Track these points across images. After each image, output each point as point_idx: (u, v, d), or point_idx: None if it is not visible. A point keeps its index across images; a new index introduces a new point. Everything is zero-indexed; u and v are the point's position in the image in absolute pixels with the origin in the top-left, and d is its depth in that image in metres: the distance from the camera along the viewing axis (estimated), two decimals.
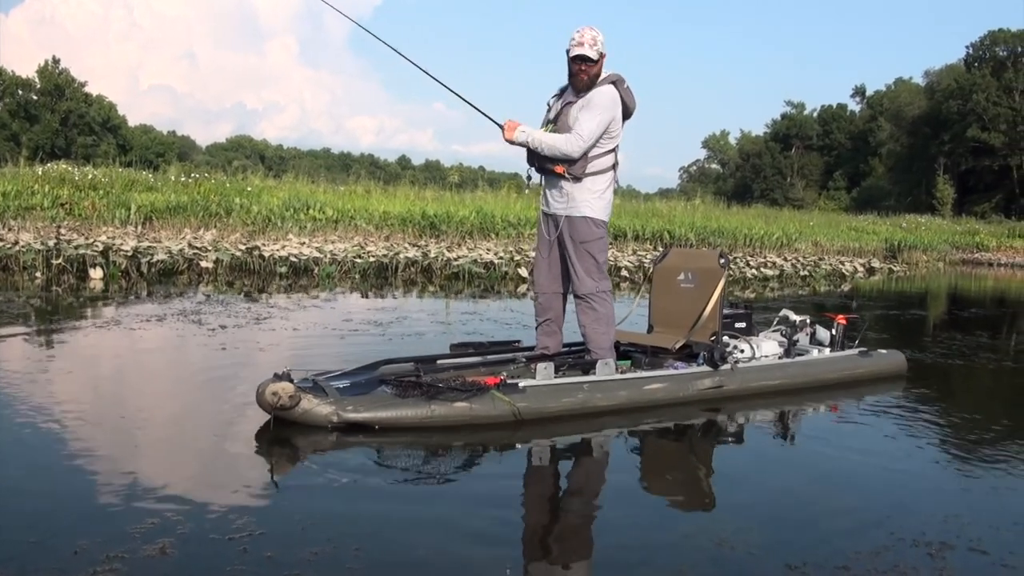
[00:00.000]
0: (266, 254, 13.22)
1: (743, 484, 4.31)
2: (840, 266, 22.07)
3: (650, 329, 6.46)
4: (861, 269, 22.66)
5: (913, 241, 32.31)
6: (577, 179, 5.47)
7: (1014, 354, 9.41)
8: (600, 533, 3.51)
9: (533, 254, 15.50)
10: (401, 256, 14.45)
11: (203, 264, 12.47)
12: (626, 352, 6.04)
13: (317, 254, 13.68)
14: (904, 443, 5.04)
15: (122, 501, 3.36)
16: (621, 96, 5.49)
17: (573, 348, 6.02)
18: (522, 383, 5.00)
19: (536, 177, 5.71)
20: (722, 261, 6.06)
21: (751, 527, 3.55)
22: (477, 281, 14.12)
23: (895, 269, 24.72)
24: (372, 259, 14.06)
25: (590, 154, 5.46)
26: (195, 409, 5.15)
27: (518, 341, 6.27)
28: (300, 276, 13.10)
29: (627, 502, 3.96)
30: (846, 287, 17.97)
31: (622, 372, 5.62)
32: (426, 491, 3.81)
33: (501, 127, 5.54)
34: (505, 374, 5.21)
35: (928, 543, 3.36)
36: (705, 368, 5.77)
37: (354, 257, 13.94)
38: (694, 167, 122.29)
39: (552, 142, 5.40)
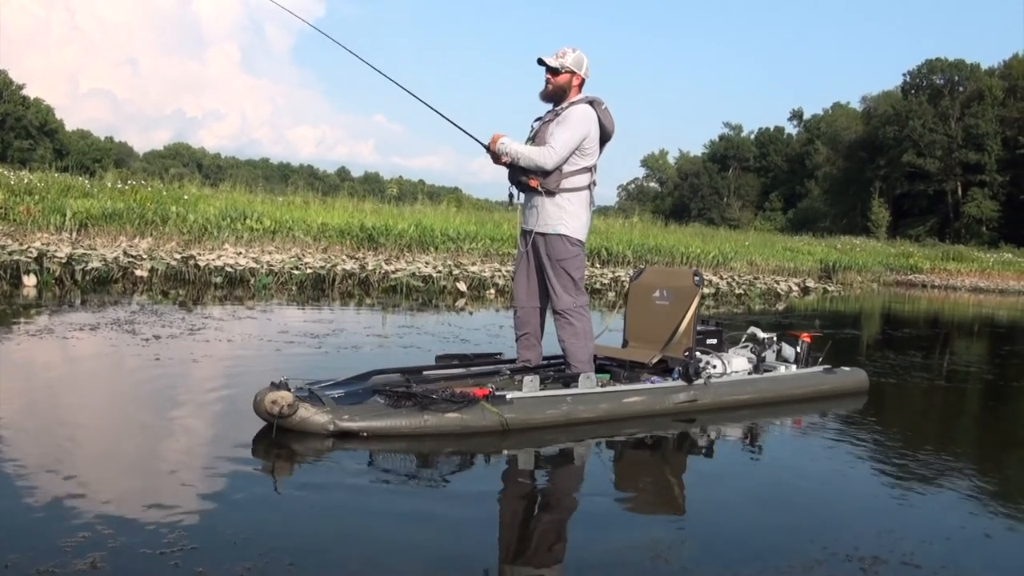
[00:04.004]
0: (202, 264, 13.08)
1: (690, 497, 4.41)
2: (775, 285, 22.34)
3: (625, 344, 6.65)
4: (796, 289, 22.96)
5: (848, 262, 32.88)
6: (551, 193, 5.62)
7: (947, 373, 9.61)
8: (538, 546, 3.53)
9: (472, 268, 15.60)
10: (338, 268, 14.37)
11: (138, 273, 12.30)
12: (602, 366, 6.18)
13: (253, 264, 13.57)
14: (842, 458, 5.15)
15: (54, 515, 3.31)
16: (599, 117, 5.67)
17: (552, 361, 6.16)
18: (510, 395, 5.16)
19: (518, 195, 5.86)
20: (697, 280, 6.27)
21: (688, 540, 3.60)
22: (415, 295, 14.11)
23: (830, 289, 25.12)
24: (309, 271, 13.98)
25: (564, 170, 5.61)
26: (127, 421, 5.08)
27: (500, 353, 6.39)
28: (236, 287, 12.98)
29: (577, 514, 4.02)
30: (781, 306, 18.19)
31: (602, 385, 5.78)
32: (374, 503, 3.80)
33: (487, 147, 5.68)
34: (492, 386, 5.31)
35: (861, 558, 3.43)
36: (680, 382, 5.97)
37: (291, 268, 13.84)
38: (632, 185, 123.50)
39: (527, 152, 5.57)
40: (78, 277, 11.72)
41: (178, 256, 13.32)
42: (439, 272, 15.17)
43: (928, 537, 3.80)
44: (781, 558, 3.42)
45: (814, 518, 4.06)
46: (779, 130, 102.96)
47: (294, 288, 13.46)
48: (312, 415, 4.63)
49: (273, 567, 2.97)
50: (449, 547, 3.38)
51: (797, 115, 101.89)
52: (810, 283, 25.26)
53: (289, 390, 4.66)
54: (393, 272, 14.66)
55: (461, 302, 13.73)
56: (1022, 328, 18.43)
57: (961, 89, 73.88)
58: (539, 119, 5.84)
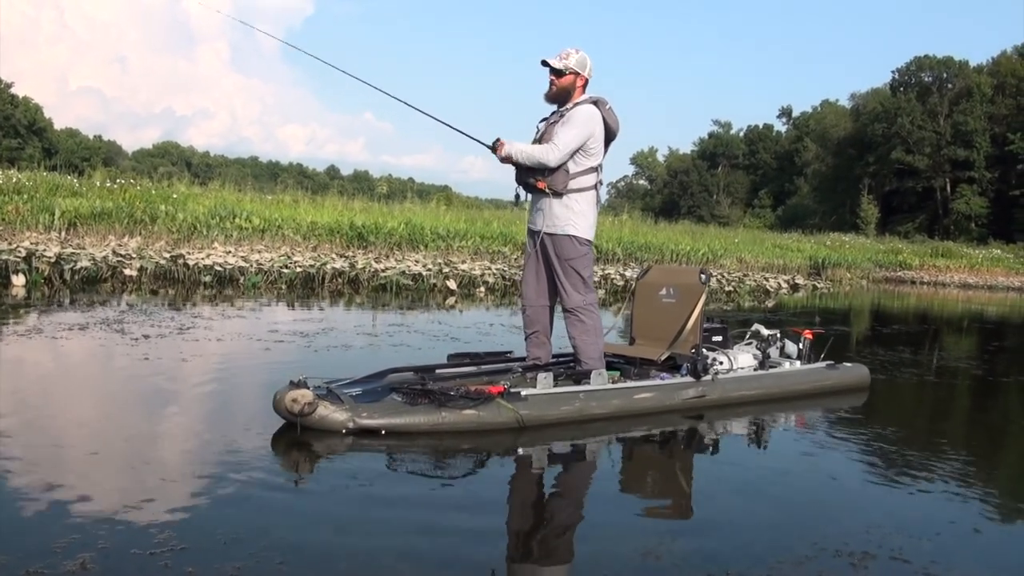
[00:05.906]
0: (191, 263, 13.03)
1: (689, 494, 4.46)
2: (764, 282, 22.37)
3: (631, 341, 6.71)
4: (785, 285, 23.00)
5: (837, 259, 32.94)
6: (558, 195, 5.67)
7: (937, 369, 9.62)
8: (527, 545, 3.52)
9: (463, 266, 15.59)
10: (328, 267, 14.34)
11: (127, 272, 12.24)
12: (611, 363, 6.22)
13: (243, 263, 13.52)
14: (836, 455, 5.19)
15: (44, 516, 3.30)
16: (604, 117, 5.73)
17: (561, 359, 6.23)
18: (524, 392, 5.21)
19: (525, 195, 5.90)
20: (703, 277, 6.35)
21: (680, 538, 3.61)
22: (405, 293, 14.09)
23: (819, 286, 25.15)
24: (299, 269, 13.94)
25: (571, 171, 5.66)
26: (116, 421, 5.06)
27: (510, 352, 6.44)
28: (225, 286, 12.95)
29: (581, 512, 4.03)
30: (770, 303, 18.21)
31: (612, 382, 5.84)
32: (374, 500, 3.79)
33: (491, 148, 5.72)
34: (505, 383, 5.35)
35: (850, 553, 3.44)
36: (688, 379, 6.05)
37: (280, 267, 13.80)
38: (622, 183, 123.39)
39: (530, 151, 5.63)
40: (67, 276, 11.67)
41: (167, 255, 13.27)
42: (429, 270, 15.14)
43: (918, 532, 3.80)
44: (771, 553, 3.42)
45: (805, 514, 4.08)
46: (768, 127, 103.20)
47: (284, 287, 13.43)
48: (331, 413, 4.69)
49: (263, 567, 2.97)
50: (440, 546, 3.38)
51: (786, 112, 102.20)
52: (799, 280, 25.29)
53: (308, 388, 4.72)
54: (383, 270, 14.64)
55: (451, 300, 13.72)
56: (1011, 324, 18.50)
57: (950, 86, 74.05)
58: (545, 120, 5.88)
